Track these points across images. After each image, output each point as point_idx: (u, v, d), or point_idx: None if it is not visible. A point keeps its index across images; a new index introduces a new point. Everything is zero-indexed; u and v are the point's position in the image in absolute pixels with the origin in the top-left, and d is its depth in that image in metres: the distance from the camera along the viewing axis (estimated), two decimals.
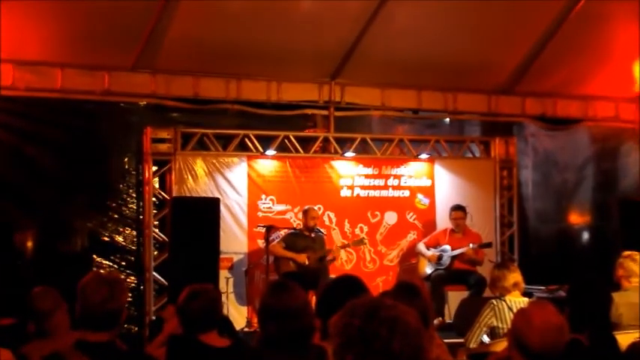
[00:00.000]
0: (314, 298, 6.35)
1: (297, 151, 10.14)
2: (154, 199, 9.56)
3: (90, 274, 3.59)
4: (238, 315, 9.44)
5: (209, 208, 8.96)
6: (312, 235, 9.35)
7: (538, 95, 11.04)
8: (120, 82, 9.22)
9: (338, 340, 1.95)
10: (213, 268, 8.71)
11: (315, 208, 9.56)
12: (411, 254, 10.31)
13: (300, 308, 3.66)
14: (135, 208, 9.62)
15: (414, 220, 10.52)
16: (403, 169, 10.52)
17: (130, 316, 9.16)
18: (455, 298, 9.43)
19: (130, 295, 8.99)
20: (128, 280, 9.37)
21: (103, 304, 3.44)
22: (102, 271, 8.87)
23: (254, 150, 9.90)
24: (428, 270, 9.63)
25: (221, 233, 9.09)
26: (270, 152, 9.91)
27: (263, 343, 3.71)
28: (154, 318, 8.90)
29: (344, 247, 9.64)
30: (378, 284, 9.97)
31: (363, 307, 1.98)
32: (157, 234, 9.54)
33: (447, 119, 11.52)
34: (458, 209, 9.76)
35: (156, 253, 9.53)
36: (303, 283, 4.31)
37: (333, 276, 8.79)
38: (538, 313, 3.20)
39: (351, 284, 3.88)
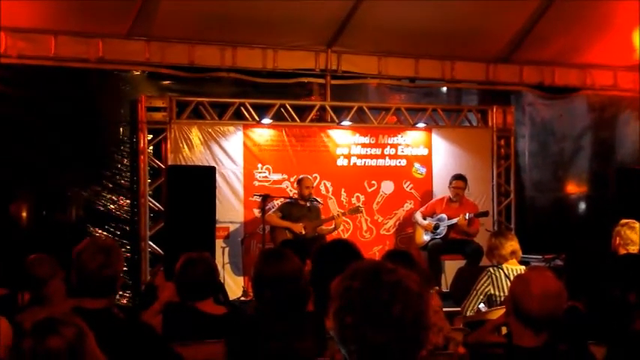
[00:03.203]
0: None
1: (293, 119, 10.11)
2: (148, 168, 9.54)
3: (85, 241, 3.58)
4: (234, 285, 9.48)
5: (205, 177, 8.93)
6: (308, 204, 9.35)
7: (536, 63, 10.99)
8: (114, 50, 9.15)
9: (338, 302, 1.95)
10: (209, 237, 8.71)
11: (311, 177, 9.55)
12: (407, 223, 10.33)
13: (294, 274, 3.66)
14: (130, 177, 9.59)
15: (410, 189, 10.52)
16: (400, 138, 10.51)
17: (125, 286, 9.18)
18: (452, 267, 9.46)
19: (125, 264, 8.99)
20: (123, 249, 9.34)
21: (100, 271, 3.44)
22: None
23: (250, 119, 9.87)
24: (425, 239, 9.65)
25: (217, 202, 9.07)
26: (266, 121, 9.88)
27: (258, 311, 3.72)
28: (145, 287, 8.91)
29: (342, 215, 9.62)
30: (375, 254, 9.98)
31: (365, 271, 1.98)
32: (152, 203, 9.53)
33: (445, 88, 11.48)
34: (459, 179, 9.74)
35: (151, 222, 9.53)
36: (301, 252, 4.31)
37: None
38: (537, 279, 3.20)
39: (343, 250, 3.88)
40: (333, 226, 9.41)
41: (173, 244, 8.37)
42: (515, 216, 11.01)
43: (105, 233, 9.34)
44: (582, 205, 11.82)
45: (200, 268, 4.35)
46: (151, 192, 9.54)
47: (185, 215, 8.57)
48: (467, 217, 9.41)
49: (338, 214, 9.54)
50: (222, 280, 8.63)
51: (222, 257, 9.36)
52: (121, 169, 9.57)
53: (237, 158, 9.76)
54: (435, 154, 10.62)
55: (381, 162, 10.41)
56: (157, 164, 9.58)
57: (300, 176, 9.48)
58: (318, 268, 3.87)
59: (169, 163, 9.37)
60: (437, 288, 9.15)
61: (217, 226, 9.13)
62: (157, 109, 9.37)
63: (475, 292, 5.90)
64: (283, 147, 10.01)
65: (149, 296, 6.63)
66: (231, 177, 9.71)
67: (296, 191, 9.56)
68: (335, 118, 10.26)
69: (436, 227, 9.59)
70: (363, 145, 10.35)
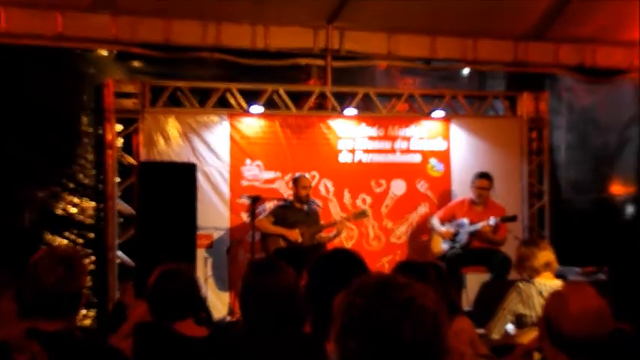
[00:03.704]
0: None
1: (288, 107, 10.11)
2: (117, 164, 9.52)
3: (43, 251, 3.56)
4: (219, 302, 9.49)
5: (184, 176, 8.93)
6: (305, 207, 9.35)
7: (575, 41, 10.98)
8: (75, 25, 9.14)
9: (340, 323, 1.94)
10: (189, 246, 8.71)
11: (308, 175, 9.55)
12: (422, 230, 10.34)
13: (289, 289, 3.65)
14: (95, 175, 9.58)
15: (425, 189, 10.53)
16: (413, 130, 10.51)
17: (89, 304, 9.17)
18: (474, 281, 9.46)
19: (89, 278, 8.98)
20: (87, 260, 9.32)
21: (59, 286, 3.42)
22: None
23: (237, 107, 9.87)
24: (442, 248, 9.65)
25: (198, 205, 9.05)
26: (257, 109, 9.87)
27: (247, 332, 3.71)
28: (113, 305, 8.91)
29: (346, 220, 9.61)
30: (384, 265, 10.01)
31: (371, 285, 1.97)
32: (121, 206, 9.52)
33: (466, 70, 11.47)
34: (484, 177, 9.71)
35: (120, 229, 9.52)
36: (296, 263, 4.30)
37: None
38: (575, 296, 3.19)
39: (346, 261, 3.86)
40: (334, 232, 9.42)
41: (146, 255, 8.37)
42: (550, 221, 11.02)
43: (65, 241, 9.33)
44: (629, 209, 11.81)
45: (178, 282, 4.34)
46: (120, 193, 9.53)
47: (161, 220, 8.56)
48: (492, 223, 9.40)
49: (340, 219, 9.55)
50: (204, 297, 8.64)
51: (204, 269, 9.37)
52: (84, 166, 9.56)
53: (223, 153, 9.76)
54: (455, 148, 10.63)
55: (390, 157, 10.42)
56: (128, 160, 9.57)
57: (297, 174, 9.48)
58: (316, 282, 3.85)
59: (142, 158, 9.37)
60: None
61: (199, 232, 9.13)
62: (127, 96, 9.37)
63: (502, 311, 5.90)
64: (276, 140, 10.01)
65: (118, 316, 6.62)
66: (215, 175, 9.72)
67: (291, 192, 9.56)
68: (337, 106, 10.27)
69: (456, 234, 9.59)
70: (370, 138, 10.36)
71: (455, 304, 4.59)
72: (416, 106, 10.70)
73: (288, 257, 4.99)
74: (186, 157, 9.55)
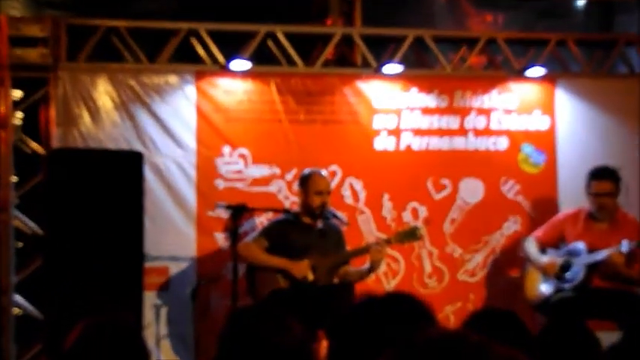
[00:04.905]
0: (325, 342, 6.35)
1: (291, 62, 10.16)
2: (15, 154, 9.57)
3: None
4: None
5: (123, 173, 8.98)
6: (320, 224, 9.35)
7: None
8: None
9: None
10: (131, 287, 8.76)
11: (325, 172, 9.55)
12: (511, 261, 10.38)
13: (294, 356, 3.66)
14: None
15: (515, 194, 10.55)
16: (496, 98, 10.54)
17: None
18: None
19: None
20: None
21: None
22: None
23: (209, 61, 9.93)
24: (544, 290, 9.64)
25: (146, 221, 9.11)
26: (241, 65, 9.93)
27: None
28: None
29: (386, 244, 9.58)
30: (448, 317, 10.01)
31: (426, 349, 1.96)
32: (21, 222, 9.57)
33: (581, 2, 11.49)
34: (604, 177, 9.67)
35: (19, 259, 9.58)
36: (307, 315, 4.30)
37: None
38: None
39: (402, 307, 3.85)
40: (367, 265, 9.40)
41: (62, 301, 8.41)
42: None
43: None
44: None
45: (113, 344, 4.36)
46: (18, 200, 9.57)
47: (84, 245, 8.60)
48: (625, 249, 9.38)
49: (377, 243, 9.53)
50: None
51: (155, 324, 9.42)
52: None
53: (186, 136, 9.83)
54: (563, 127, 10.67)
55: (459, 143, 10.47)
56: (31, 147, 9.62)
57: (306, 171, 9.48)
58: (344, 347, 3.85)
59: (55, 145, 9.43)
60: None
61: (147, 265, 9.20)
62: (31, 42, 9.44)
63: None
64: (272, 114, 10.08)
65: None
66: (172, 172, 9.79)
67: (297, 199, 9.58)
68: (371, 59, 10.29)
69: (566, 267, 9.58)
70: (426, 111, 10.40)
71: None
72: (500, 58, 10.71)
73: (293, 305, 4.99)
74: (126, 141, 9.62)
